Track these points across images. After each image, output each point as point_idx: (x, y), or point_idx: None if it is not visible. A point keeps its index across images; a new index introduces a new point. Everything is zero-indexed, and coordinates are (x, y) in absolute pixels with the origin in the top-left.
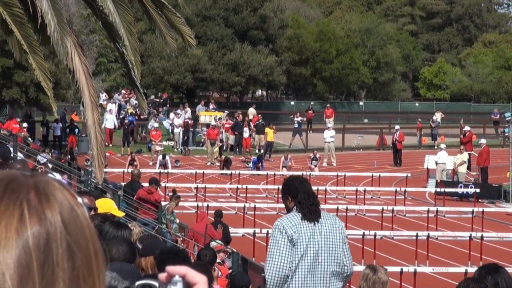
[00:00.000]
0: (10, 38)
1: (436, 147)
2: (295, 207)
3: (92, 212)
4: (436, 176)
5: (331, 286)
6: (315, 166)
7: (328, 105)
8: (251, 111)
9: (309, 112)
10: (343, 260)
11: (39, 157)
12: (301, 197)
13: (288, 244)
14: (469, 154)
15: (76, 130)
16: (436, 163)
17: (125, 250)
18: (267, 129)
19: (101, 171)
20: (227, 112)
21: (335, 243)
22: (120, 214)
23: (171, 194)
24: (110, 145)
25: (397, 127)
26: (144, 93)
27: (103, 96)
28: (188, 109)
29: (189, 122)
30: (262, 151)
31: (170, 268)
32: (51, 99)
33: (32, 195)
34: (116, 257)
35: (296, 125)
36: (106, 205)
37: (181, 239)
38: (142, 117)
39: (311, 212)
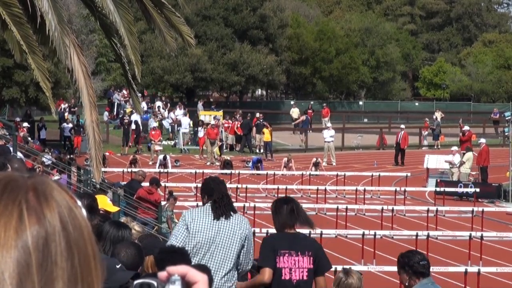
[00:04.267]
0: (10, 38)
1: (436, 147)
2: (208, 203)
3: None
4: (454, 178)
5: (221, 273)
6: (316, 169)
7: (324, 104)
8: (296, 111)
9: (309, 111)
10: (239, 257)
11: (44, 158)
12: (218, 196)
13: (184, 230)
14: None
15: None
16: (452, 167)
17: (133, 253)
18: (263, 129)
19: (99, 171)
20: (222, 110)
21: (233, 241)
22: (113, 209)
23: (167, 195)
24: (136, 145)
25: (402, 126)
26: (143, 93)
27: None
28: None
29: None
30: (262, 150)
31: (171, 268)
32: (50, 99)
33: (30, 195)
34: (124, 259)
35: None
36: (100, 200)
37: None
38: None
39: (223, 212)
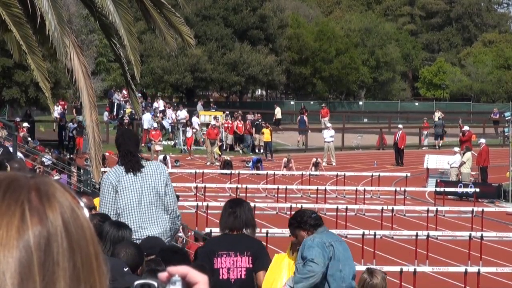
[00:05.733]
0: (9, 38)
1: (437, 147)
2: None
3: (93, 212)
4: (451, 178)
5: (158, 220)
6: (316, 169)
7: (323, 104)
8: (279, 110)
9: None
10: (167, 200)
11: (43, 159)
12: (122, 153)
13: (112, 191)
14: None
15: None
16: (451, 167)
17: (133, 253)
18: (263, 129)
19: (98, 171)
20: (227, 112)
21: (158, 186)
22: None
23: None
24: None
25: (400, 126)
26: (144, 93)
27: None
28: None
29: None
30: (262, 150)
31: (172, 269)
32: (49, 100)
33: (33, 195)
34: (124, 259)
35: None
36: (97, 203)
37: (181, 239)
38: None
39: (132, 167)
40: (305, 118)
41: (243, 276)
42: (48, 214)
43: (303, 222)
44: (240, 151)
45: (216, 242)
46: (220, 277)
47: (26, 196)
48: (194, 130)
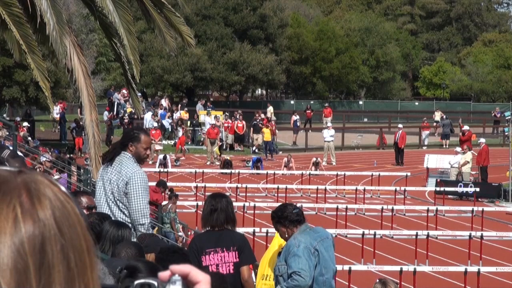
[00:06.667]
0: (9, 38)
1: (444, 146)
2: None
3: (93, 211)
4: (451, 178)
5: (114, 215)
6: (316, 169)
7: (327, 104)
8: (270, 109)
9: (307, 111)
10: (128, 206)
11: (42, 158)
12: (116, 143)
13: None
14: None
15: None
16: (451, 166)
17: (134, 253)
18: (263, 129)
19: (98, 171)
20: (227, 114)
21: (118, 184)
22: None
23: (169, 193)
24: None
25: (400, 125)
26: (144, 92)
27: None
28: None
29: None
30: (260, 150)
31: (173, 267)
32: (49, 99)
33: (24, 197)
34: (125, 260)
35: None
36: None
37: (181, 238)
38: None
39: (107, 159)
40: (292, 118)
41: (231, 271)
42: (40, 215)
43: (283, 218)
44: (243, 148)
45: (201, 240)
46: None
47: (17, 200)
48: (184, 130)
